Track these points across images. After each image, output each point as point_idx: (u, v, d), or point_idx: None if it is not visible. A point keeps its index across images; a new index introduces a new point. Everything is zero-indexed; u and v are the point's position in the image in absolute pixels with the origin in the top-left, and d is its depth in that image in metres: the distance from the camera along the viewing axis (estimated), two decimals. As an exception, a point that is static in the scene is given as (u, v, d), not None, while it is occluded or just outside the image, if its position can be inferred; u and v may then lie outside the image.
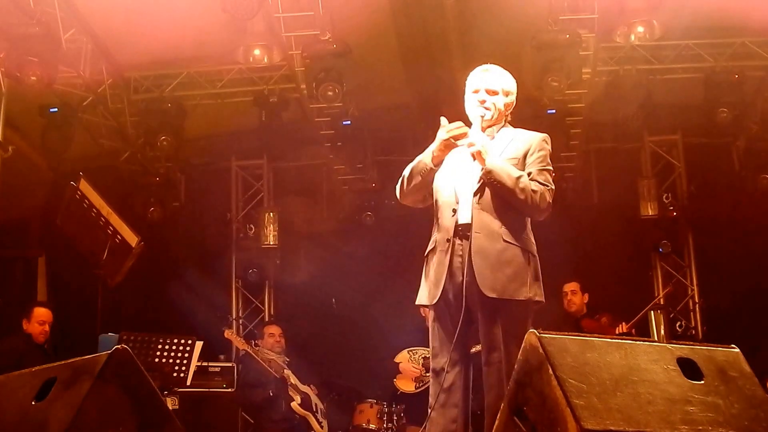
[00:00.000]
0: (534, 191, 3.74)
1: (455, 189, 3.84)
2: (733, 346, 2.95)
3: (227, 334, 7.39)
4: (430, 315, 3.95)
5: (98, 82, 7.53)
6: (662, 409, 2.61)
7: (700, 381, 2.75)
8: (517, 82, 4.02)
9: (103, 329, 5.75)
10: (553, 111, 7.73)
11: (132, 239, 5.74)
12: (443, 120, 3.83)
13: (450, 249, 3.75)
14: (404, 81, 7.99)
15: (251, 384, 7.33)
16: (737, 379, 2.79)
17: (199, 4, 6.65)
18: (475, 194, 3.79)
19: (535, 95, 7.14)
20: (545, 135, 3.95)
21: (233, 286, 9.47)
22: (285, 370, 7.38)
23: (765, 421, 2.69)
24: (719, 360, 2.85)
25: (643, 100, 7.75)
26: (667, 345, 2.87)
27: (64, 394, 2.91)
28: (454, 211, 3.80)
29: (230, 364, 7.68)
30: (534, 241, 3.86)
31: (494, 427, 2.94)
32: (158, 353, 6.04)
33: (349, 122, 8.11)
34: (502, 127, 3.97)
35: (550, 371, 2.63)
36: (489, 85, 3.89)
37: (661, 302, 8.56)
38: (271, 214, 9.15)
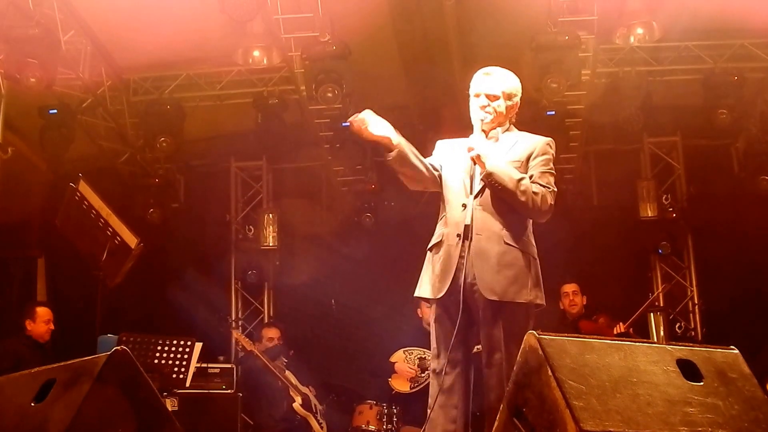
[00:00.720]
0: (535, 193, 3.75)
1: (464, 184, 3.84)
2: (732, 347, 2.95)
3: (235, 334, 7.46)
4: (431, 315, 3.95)
5: (97, 83, 7.54)
6: (662, 410, 2.61)
7: (699, 382, 2.74)
8: (518, 82, 4.02)
9: (102, 330, 5.73)
10: (553, 112, 7.72)
11: (131, 240, 5.73)
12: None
13: (460, 244, 3.74)
14: (404, 82, 7.99)
15: (252, 385, 7.33)
16: (737, 381, 2.79)
17: (199, 5, 6.65)
18: (476, 196, 3.80)
19: (535, 97, 7.14)
20: (549, 139, 3.96)
21: (232, 288, 9.47)
22: (285, 372, 7.39)
23: (764, 423, 2.69)
24: (719, 361, 2.85)
25: (643, 102, 7.74)
26: (667, 346, 2.87)
27: (64, 395, 2.91)
28: (464, 206, 3.80)
29: (230, 366, 7.66)
30: (535, 244, 3.87)
31: (494, 428, 2.94)
32: (157, 354, 6.03)
33: (348, 124, 8.11)
34: (507, 129, 3.97)
35: (550, 372, 2.63)
36: (489, 90, 3.89)
37: (660, 303, 8.57)
38: (271, 215, 9.16)
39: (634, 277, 9.02)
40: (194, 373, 6.30)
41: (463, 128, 3.97)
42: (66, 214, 5.76)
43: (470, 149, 3.77)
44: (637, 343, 2.85)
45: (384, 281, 8.58)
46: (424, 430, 3.83)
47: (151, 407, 3.08)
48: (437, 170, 3.94)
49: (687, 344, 3.01)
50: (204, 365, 7.13)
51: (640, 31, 6.79)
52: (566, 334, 2.87)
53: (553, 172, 3.89)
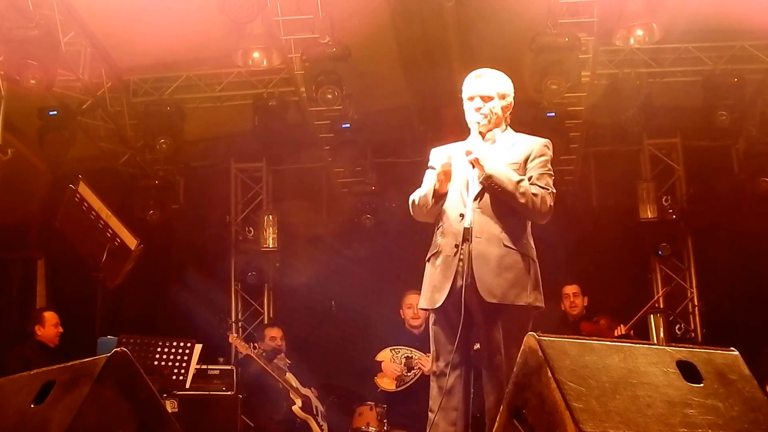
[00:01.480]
0: (535, 195, 3.75)
1: (461, 194, 3.84)
2: (732, 348, 2.95)
3: (231, 338, 7.41)
4: (430, 318, 3.95)
5: (97, 85, 7.54)
6: (661, 411, 2.61)
7: (699, 384, 2.75)
8: (516, 85, 4.01)
9: (102, 332, 5.73)
10: (553, 114, 7.72)
11: (131, 242, 5.73)
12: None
13: (458, 254, 3.74)
14: (404, 84, 7.99)
15: (252, 387, 7.32)
16: (736, 382, 2.79)
17: (199, 7, 6.65)
18: (475, 199, 3.79)
19: (535, 98, 7.15)
20: (547, 140, 3.96)
21: (232, 289, 9.47)
22: (286, 373, 7.38)
23: (764, 424, 2.68)
24: (718, 363, 2.85)
25: (643, 103, 7.75)
26: (667, 348, 2.87)
27: (63, 397, 2.91)
28: (462, 216, 3.79)
29: (230, 367, 7.65)
30: (534, 246, 3.86)
31: (494, 429, 2.94)
32: (157, 356, 6.03)
33: (348, 125, 8.11)
34: (504, 130, 3.97)
35: (549, 374, 2.63)
36: (483, 92, 3.89)
37: (660, 304, 8.56)
38: (271, 216, 9.16)
39: (634, 279, 9.01)
40: (194, 375, 6.30)
41: (464, 129, 3.97)
42: (66, 215, 5.76)
43: (468, 153, 3.77)
44: (637, 345, 2.85)
45: (384, 282, 8.57)
46: (425, 432, 3.83)
47: (150, 409, 3.08)
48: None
49: (687, 346, 3.01)
50: (204, 367, 7.12)
51: (640, 32, 6.78)
52: (567, 336, 2.87)
53: (552, 173, 3.88)
